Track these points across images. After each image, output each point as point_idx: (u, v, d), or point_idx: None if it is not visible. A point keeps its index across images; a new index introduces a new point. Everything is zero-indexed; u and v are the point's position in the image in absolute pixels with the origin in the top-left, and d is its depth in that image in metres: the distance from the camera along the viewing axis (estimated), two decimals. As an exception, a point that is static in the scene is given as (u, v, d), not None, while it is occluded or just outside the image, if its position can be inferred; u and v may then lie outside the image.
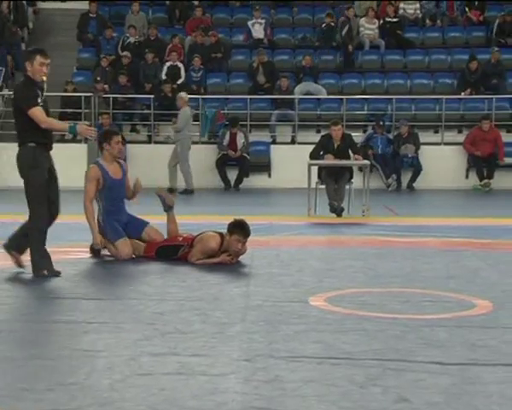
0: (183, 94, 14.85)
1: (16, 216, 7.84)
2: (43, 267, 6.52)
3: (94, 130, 6.86)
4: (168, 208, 7.77)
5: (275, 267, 7.09)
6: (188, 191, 14.38)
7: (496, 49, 16.59)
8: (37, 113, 6.39)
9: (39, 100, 6.44)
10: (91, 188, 7.40)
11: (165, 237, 7.61)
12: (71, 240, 8.18)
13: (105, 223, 7.45)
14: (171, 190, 13.47)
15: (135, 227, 7.55)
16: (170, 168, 14.70)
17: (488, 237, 9.03)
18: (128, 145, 15.75)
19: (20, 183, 6.57)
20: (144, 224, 7.62)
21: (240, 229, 7.13)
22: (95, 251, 7.47)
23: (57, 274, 6.53)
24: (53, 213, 6.61)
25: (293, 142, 16.18)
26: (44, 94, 6.59)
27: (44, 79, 6.53)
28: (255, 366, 4.22)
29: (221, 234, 7.23)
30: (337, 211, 10.82)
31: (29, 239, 6.55)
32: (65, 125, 7.00)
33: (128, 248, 7.41)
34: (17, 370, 4.16)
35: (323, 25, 17.74)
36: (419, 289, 6.18)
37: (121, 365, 4.24)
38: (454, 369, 4.18)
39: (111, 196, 7.47)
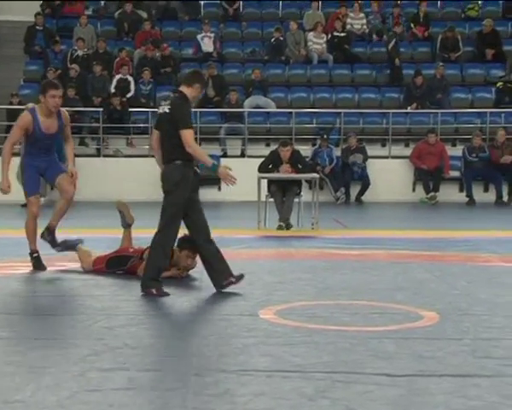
0: (30, 105, 14.68)
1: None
2: (153, 286, 6.38)
3: (234, 178, 6.59)
4: (127, 225, 7.72)
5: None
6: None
7: (440, 64, 16.92)
8: (188, 135, 6.35)
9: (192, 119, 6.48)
10: (17, 134, 7.31)
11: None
12: (16, 255, 8.06)
13: (24, 170, 7.38)
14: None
15: (51, 173, 7.43)
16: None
17: (435, 249, 9.17)
18: (77, 159, 15.58)
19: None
20: (59, 171, 7.47)
21: (190, 244, 7.12)
22: (36, 260, 7.40)
23: (165, 294, 6.36)
24: (206, 235, 6.52)
25: (242, 155, 16.22)
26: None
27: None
28: (205, 380, 4.22)
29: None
30: (285, 228, 10.96)
31: (150, 252, 6.48)
32: (209, 159, 6.51)
33: (35, 208, 7.33)
34: (-38, 388, 4.08)
35: (272, 39, 17.87)
36: (367, 301, 6.25)
37: (69, 381, 4.19)
38: (401, 380, 4.23)
39: (36, 145, 7.33)
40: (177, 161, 6.39)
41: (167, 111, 6.47)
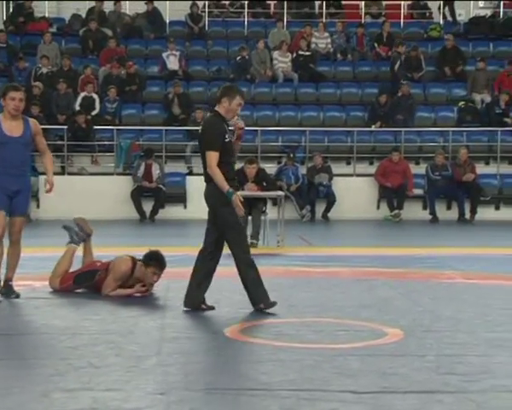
0: None
1: None
2: (261, 301, 6.42)
3: (243, 210, 6.47)
4: (87, 236, 7.67)
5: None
6: None
7: (404, 82, 17.12)
8: (211, 156, 6.36)
9: (226, 137, 6.38)
10: None
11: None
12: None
13: None
14: None
15: (17, 206, 6.93)
16: None
17: (399, 266, 9.25)
18: (41, 177, 15.48)
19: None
20: (21, 212, 7.00)
21: (156, 261, 7.11)
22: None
23: (273, 304, 6.39)
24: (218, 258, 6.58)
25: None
26: (232, 131, 6.55)
27: (235, 118, 6.45)
28: (170, 399, 4.20)
29: (133, 258, 7.20)
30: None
31: (244, 278, 6.47)
32: (225, 185, 6.40)
33: (2, 227, 6.79)
34: None
35: (238, 57, 17.95)
36: (333, 318, 6.28)
37: (32, 402, 4.14)
38: (367, 397, 4.26)
39: (4, 153, 6.81)
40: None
41: (200, 132, 6.57)
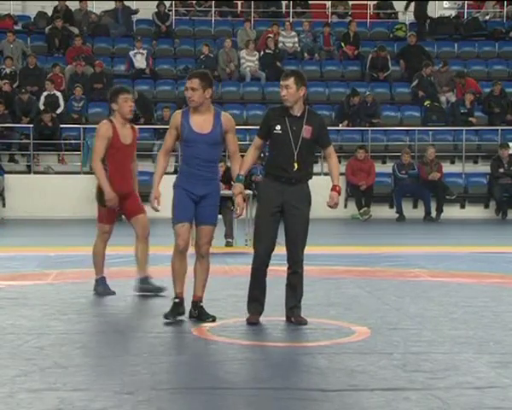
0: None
1: None
2: (249, 311, 6.01)
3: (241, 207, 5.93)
4: None
5: (157, 298, 7.06)
6: None
7: (368, 92, 17.20)
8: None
9: (278, 128, 6.08)
10: (168, 140, 5.99)
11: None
12: None
13: (176, 192, 6.21)
14: None
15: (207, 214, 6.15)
16: None
17: (366, 264, 9.31)
18: (6, 175, 15.39)
19: None
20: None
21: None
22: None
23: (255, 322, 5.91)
24: (289, 261, 6.17)
25: (176, 171, 16.16)
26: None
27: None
28: (137, 398, 4.18)
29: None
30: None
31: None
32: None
33: (185, 240, 6.18)
34: None
35: (202, 56, 17.92)
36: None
37: (-2, 403, 4.11)
38: (334, 395, 4.28)
39: (190, 152, 5.99)
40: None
41: (316, 129, 6.50)
